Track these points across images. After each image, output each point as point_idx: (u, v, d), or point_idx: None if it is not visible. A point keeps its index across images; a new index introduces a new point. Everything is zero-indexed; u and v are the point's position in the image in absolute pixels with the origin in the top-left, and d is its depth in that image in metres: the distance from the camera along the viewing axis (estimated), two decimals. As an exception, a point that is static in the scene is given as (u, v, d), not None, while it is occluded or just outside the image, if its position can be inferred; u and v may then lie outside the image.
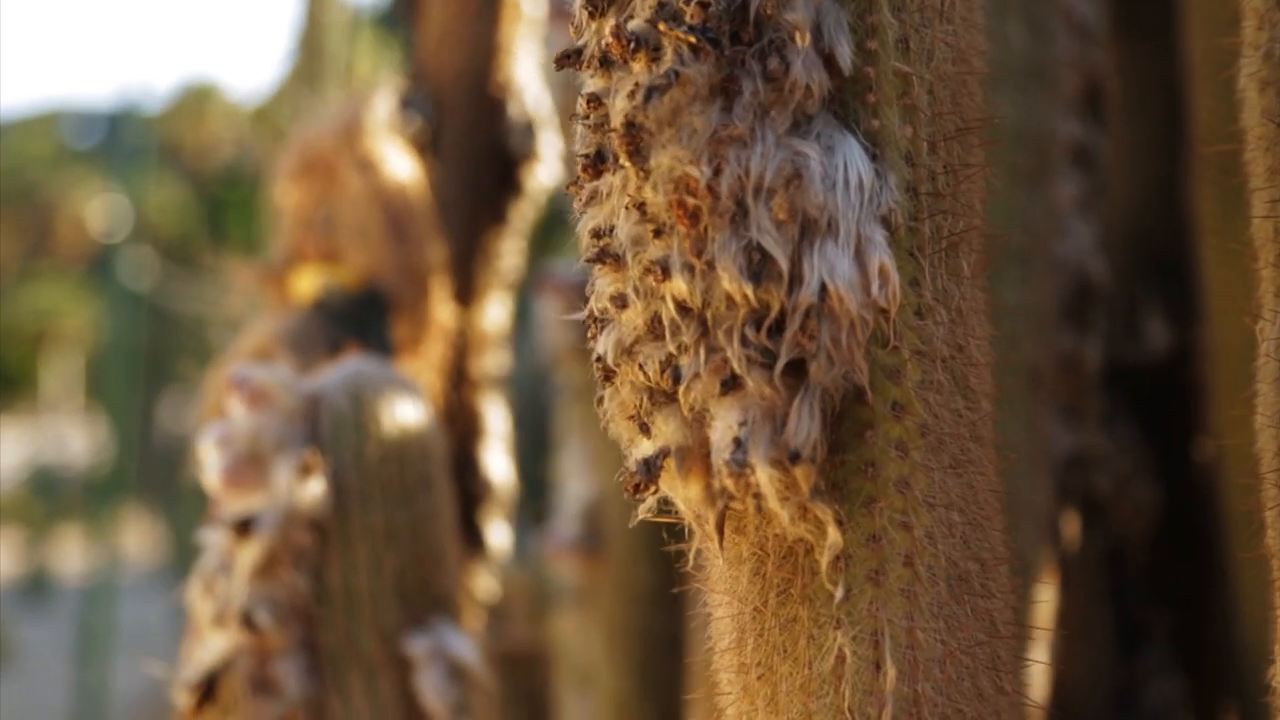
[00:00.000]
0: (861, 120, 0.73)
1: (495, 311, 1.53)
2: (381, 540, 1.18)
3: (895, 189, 0.72)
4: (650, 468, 0.72)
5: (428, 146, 1.44)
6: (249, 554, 1.15)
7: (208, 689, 1.14)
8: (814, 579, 0.72)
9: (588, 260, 0.76)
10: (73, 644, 6.77)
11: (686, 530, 0.78)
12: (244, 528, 1.15)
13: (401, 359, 1.38)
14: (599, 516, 1.78)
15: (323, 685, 1.16)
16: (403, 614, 1.19)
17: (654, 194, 0.70)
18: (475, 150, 1.51)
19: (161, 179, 11.17)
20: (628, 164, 0.71)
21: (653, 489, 0.73)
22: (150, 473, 10.43)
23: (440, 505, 1.22)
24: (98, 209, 11.42)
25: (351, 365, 1.23)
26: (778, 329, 0.70)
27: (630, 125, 0.70)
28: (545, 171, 1.56)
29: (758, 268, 0.69)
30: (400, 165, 1.42)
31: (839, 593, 0.71)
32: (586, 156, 0.75)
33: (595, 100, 0.74)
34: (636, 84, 0.71)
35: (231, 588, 1.16)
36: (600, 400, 0.78)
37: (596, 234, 0.75)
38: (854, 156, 0.71)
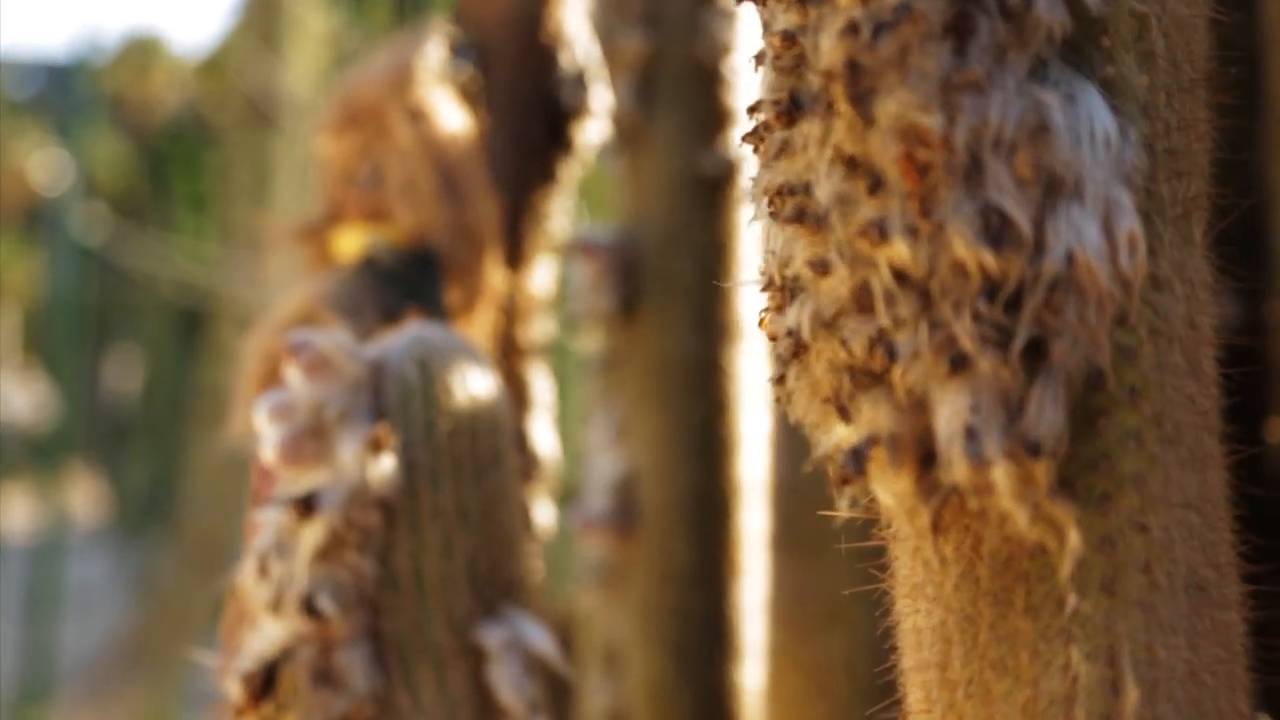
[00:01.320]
0: (1096, 67, 0.64)
1: (543, 275, 1.43)
2: (453, 521, 1.09)
3: (1137, 145, 0.64)
4: (859, 458, 0.64)
5: (479, 98, 1.34)
6: (311, 535, 1.05)
7: (265, 681, 1.05)
8: (1040, 586, 0.64)
9: (776, 219, 0.67)
10: (20, 603, 6.65)
11: (862, 525, 0.70)
12: (305, 506, 1.05)
13: (453, 325, 1.29)
14: (631, 491, 1.69)
15: (389, 677, 1.07)
16: (474, 601, 1.10)
17: (878, 145, 0.61)
18: (522, 103, 1.41)
19: (104, 132, 10.97)
20: (848, 110, 0.62)
21: (861, 480, 0.64)
22: (95, 430, 10.27)
23: (510, 483, 1.13)
24: (39, 162, 11.20)
25: (414, 331, 1.13)
26: (1014, 302, 0.61)
27: (853, 66, 0.61)
28: (594, 127, 1.46)
29: (996, 232, 0.61)
30: (452, 117, 1.32)
31: (1071, 603, 0.63)
32: (777, 103, 0.66)
33: (789, 38, 0.65)
34: (853, 20, 0.62)
35: (291, 571, 1.06)
36: (780, 379, 0.69)
37: (787, 190, 0.66)
38: (1097, 108, 0.62)
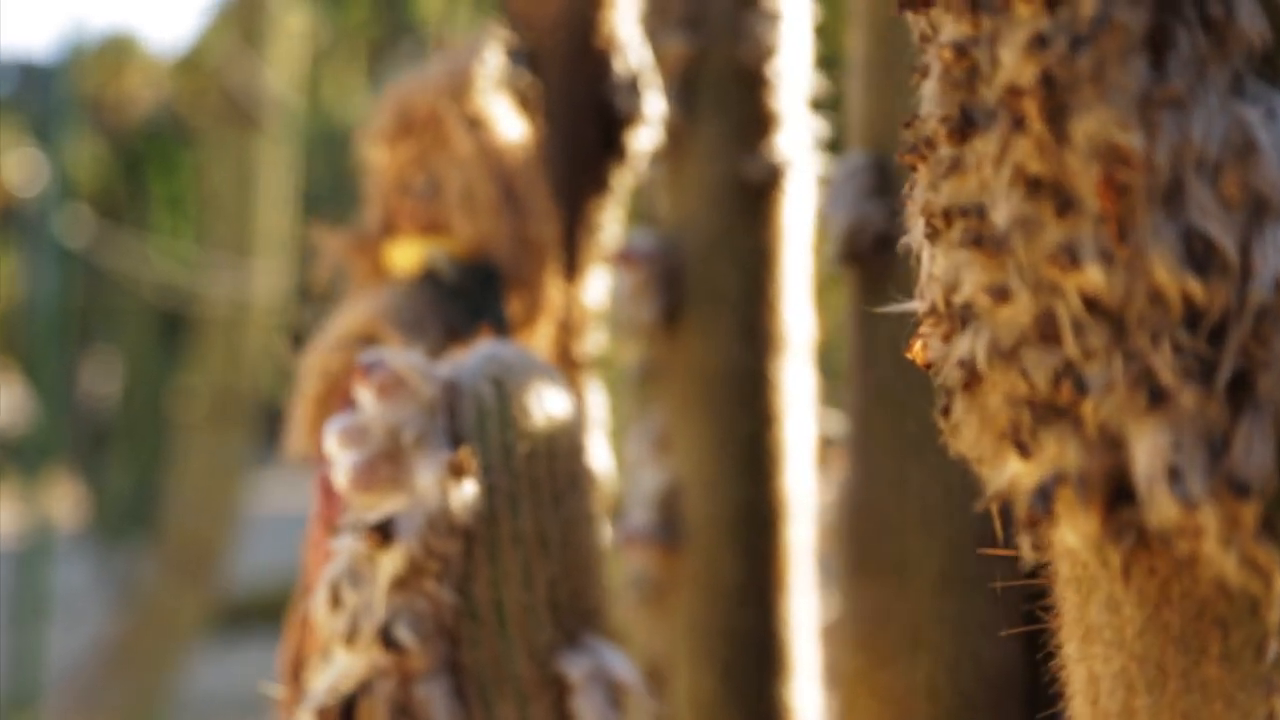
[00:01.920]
0: (1289, 81, 0.60)
1: (597, 287, 1.39)
2: (533, 548, 1.05)
3: (1334, 165, 0.60)
4: (1046, 497, 0.60)
5: (535, 105, 1.30)
6: (389, 564, 1.01)
7: (343, 716, 1.01)
8: (1237, 632, 0.60)
9: (942, 242, 0.63)
10: (4, 610, 6.58)
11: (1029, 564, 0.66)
12: (382, 534, 1.01)
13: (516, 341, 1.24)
14: (674, 505, 1.65)
15: (469, 711, 1.03)
16: (555, 631, 1.06)
17: (1074, 164, 0.57)
18: (575, 109, 1.37)
19: (80, 133, 10.89)
20: (1039, 128, 0.58)
21: (1048, 521, 0.60)
22: (74, 434, 10.18)
23: (589, 507, 1.09)
24: (15, 163, 11.11)
25: (487, 349, 1.09)
26: (1218, 332, 0.57)
27: (1048, 81, 0.57)
28: (647, 135, 1.42)
29: (1200, 257, 0.57)
30: (511, 125, 1.28)
31: (1273, 650, 0.59)
32: (947, 119, 0.62)
33: (960, 50, 0.62)
34: (1041, 32, 0.58)
35: (367, 601, 1.02)
36: (946, 411, 0.65)
37: (958, 212, 0.62)
38: (1300, 124, 0.59)
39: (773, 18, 1.64)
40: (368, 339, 1.21)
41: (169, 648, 7.22)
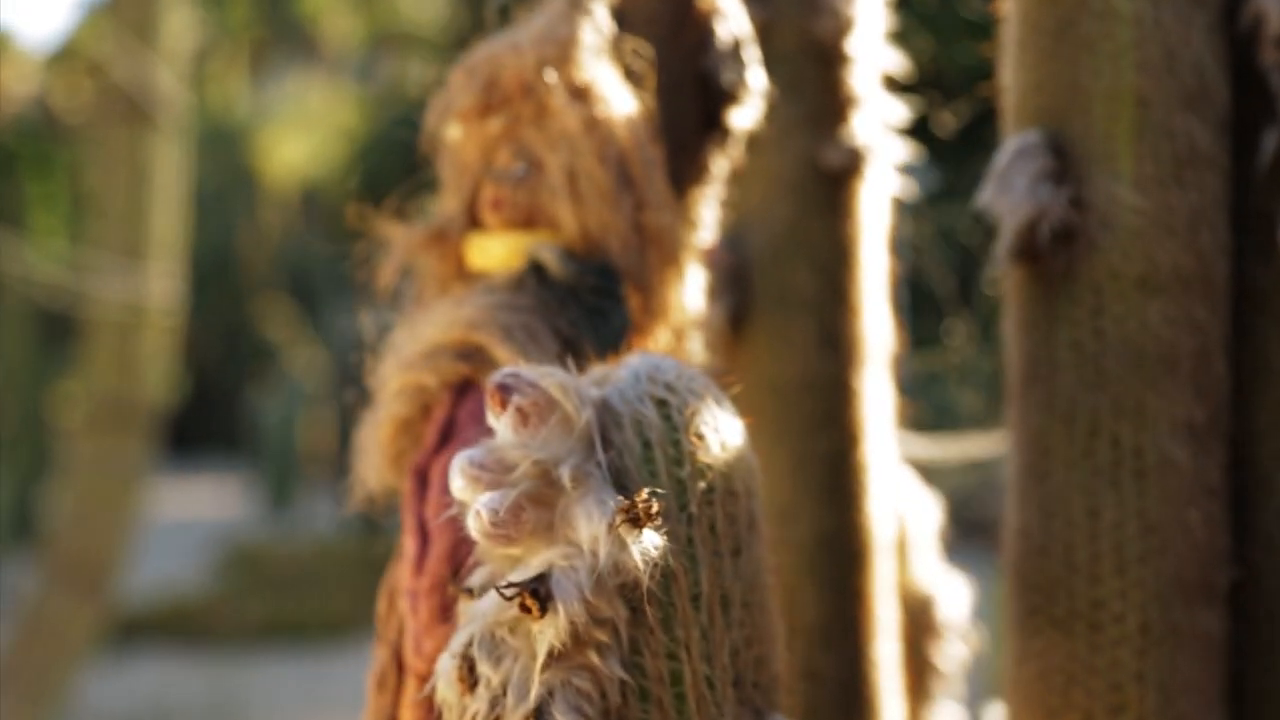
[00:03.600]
0: None
1: (696, 285, 1.19)
2: (713, 610, 0.86)
3: None
4: None
5: (645, 75, 1.10)
6: (545, 633, 0.81)
7: (491, 825, 0.81)
8: None
9: None
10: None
11: None
12: (539, 596, 0.81)
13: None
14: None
15: (642, 813, 0.83)
16: (739, 709, 0.86)
17: None
18: (672, 83, 1.17)
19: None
20: None
21: None
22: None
23: (766, 554, 0.90)
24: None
25: (641, 363, 0.90)
26: None
27: None
28: (748, 112, 1.23)
29: None
30: (621, 96, 1.08)
31: None
32: None
33: None
34: None
35: (514, 678, 0.82)
36: None
37: None
38: None
39: (849, -15, 1.46)
40: (465, 352, 1.01)
41: (59, 663, 6.90)
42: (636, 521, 0.81)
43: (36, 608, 6.90)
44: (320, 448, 11.95)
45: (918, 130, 1.51)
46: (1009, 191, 1.05)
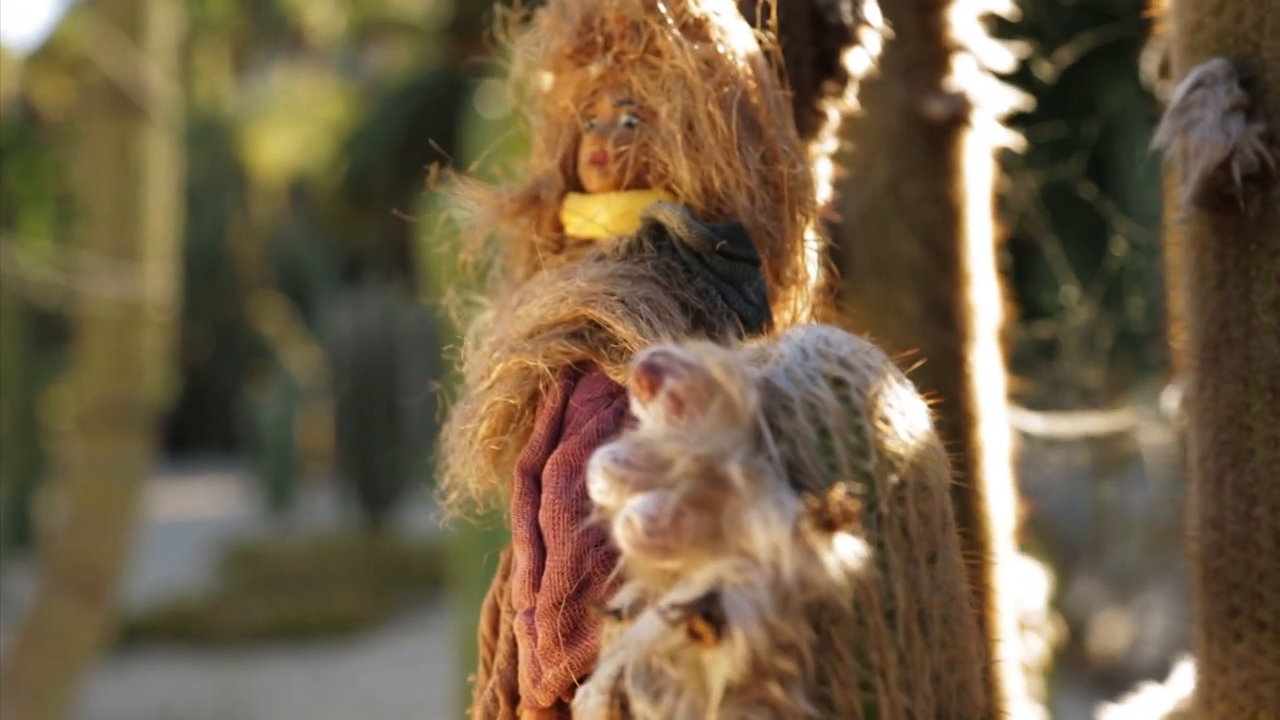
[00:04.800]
0: None
1: (810, 252, 1.05)
2: (911, 629, 0.71)
3: None
4: None
5: (759, 10, 0.96)
6: (719, 662, 0.67)
7: None
8: None
9: None
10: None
11: None
12: (712, 618, 0.67)
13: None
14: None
15: None
16: (942, 747, 0.72)
17: None
18: (781, 22, 1.03)
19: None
20: None
21: None
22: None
23: (961, 560, 0.76)
24: None
25: (808, 336, 0.75)
26: None
27: None
28: (862, 57, 1.09)
29: None
30: (742, 34, 0.94)
31: None
32: None
33: None
34: None
35: (680, 717, 0.68)
36: None
37: None
38: None
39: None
40: (577, 331, 0.86)
41: (62, 670, 6.76)
42: (830, 525, 0.67)
43: (37, 614, 6.75)
44: (317, 445, 11.79)
45: (1021, 77, 1.37)
46: (1192, 129, 0.91)
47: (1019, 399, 1.41)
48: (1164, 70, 1.37)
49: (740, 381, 0.71)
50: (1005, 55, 1.35)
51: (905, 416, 0.74)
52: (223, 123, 13.96)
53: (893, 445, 0.72)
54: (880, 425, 0.72)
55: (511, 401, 0.87)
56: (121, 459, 6.73)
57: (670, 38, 0.91)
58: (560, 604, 0.82)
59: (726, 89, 0.90)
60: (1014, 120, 1.36)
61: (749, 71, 0.92)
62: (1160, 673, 1.22)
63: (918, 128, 1.32)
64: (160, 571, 8.73)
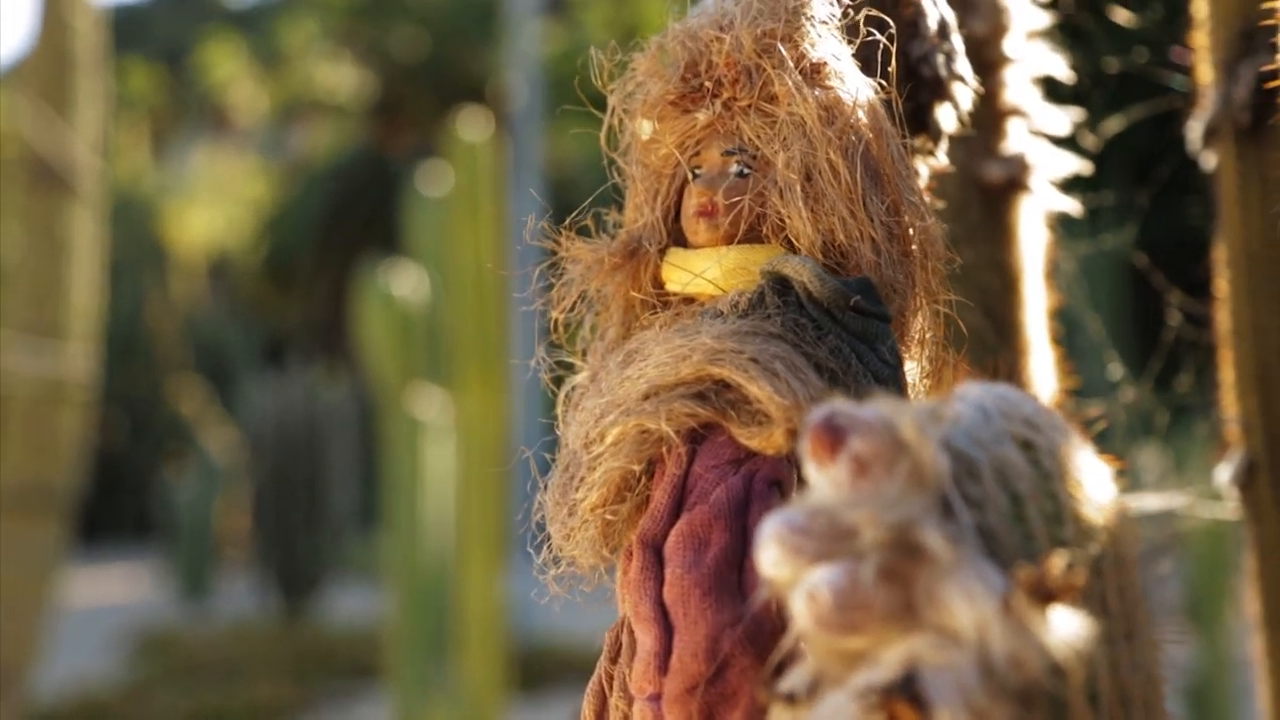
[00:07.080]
0: None
1: (936, 310, 0.99)
2: (1116, 710, 0.65)
3: None
4: None
5: (879, 49, 0.91)
6: (921, 753, 0.61)
7: None
8: None
9: None
10: None
11: None
12: (912, 702, 0.60)
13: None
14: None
15: None
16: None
17: None
18: (878, 78, 0.98)
19: None
20: None
21: None
22: None
23: (1154, 636, 0.70)
24: None
25: (986, 395, 0.70)
26: None
27: None
28: (952, 113, 1.04)
29: None
30: (858, 78, 0.89)
31: None
32: None
33: None
34: None
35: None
36: None
37: None
38: None
39: (1007, -13, 1.28)
40: (701, 391, 0.80)
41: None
42: (1049, 599, 0.61)
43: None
44: (236, 529, 11.56)
45: (1072, 143, 1.33)
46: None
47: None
48: (1207, 139, 1.34)
49: (931, 443, 0.65)
50: (1061, 119, 1.31)
51: (1096, 482, 0.68)
52: (142, 200, 13.81)
53: (1088, 513, 0.67)
54: (1074, 491, 0.67)
55: (631, 468, 0.80)
56: (36, 544, 6.54)
57: (790, 83, 0.85)
58: (695, 688, 0.75)
59: (848, 137, 0.85)
60: (1069, 186, 1.33)
61: (870, 119, 0.87)
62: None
63: (974, 191, 1.28)
64: (70, 661, 8.47)
